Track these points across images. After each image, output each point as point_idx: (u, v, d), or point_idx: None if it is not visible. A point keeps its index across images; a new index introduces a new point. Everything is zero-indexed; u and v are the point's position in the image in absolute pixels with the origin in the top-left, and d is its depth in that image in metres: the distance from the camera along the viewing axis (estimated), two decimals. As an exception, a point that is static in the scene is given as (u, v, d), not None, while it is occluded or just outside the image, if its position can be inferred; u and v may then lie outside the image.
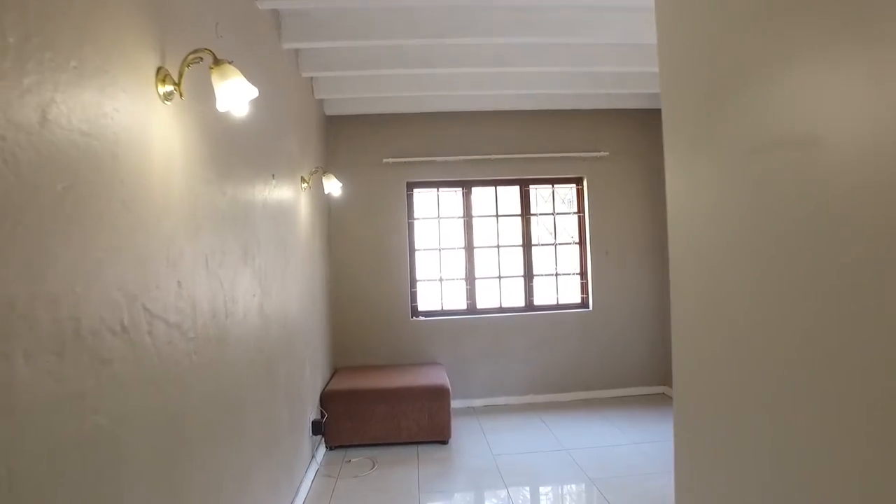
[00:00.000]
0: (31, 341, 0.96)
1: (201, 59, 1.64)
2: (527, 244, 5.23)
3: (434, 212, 5.18)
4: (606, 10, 3.23)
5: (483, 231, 5.23)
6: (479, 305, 5.16)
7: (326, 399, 3.97)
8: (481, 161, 5.04)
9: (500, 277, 5.20)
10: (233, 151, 2.22)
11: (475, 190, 5.21)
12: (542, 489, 3.44)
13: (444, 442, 4.04)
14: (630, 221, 5.18)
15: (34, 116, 0.99)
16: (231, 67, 1.65)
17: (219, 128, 2.04)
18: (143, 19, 1.47)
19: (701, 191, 1.06)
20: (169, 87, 1.58)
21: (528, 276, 5.22)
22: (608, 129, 5.17)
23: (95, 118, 1.20)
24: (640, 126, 5.20)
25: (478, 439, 4.14)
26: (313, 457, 3.62)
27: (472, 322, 5.05)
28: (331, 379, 4.41)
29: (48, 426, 0.99)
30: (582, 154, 5.10)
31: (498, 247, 5.20)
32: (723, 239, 0.99)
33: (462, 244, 5.18)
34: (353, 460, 3.81)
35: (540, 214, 5.33)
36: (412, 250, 5.11)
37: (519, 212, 5.24)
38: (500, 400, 5.02)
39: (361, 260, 4.96)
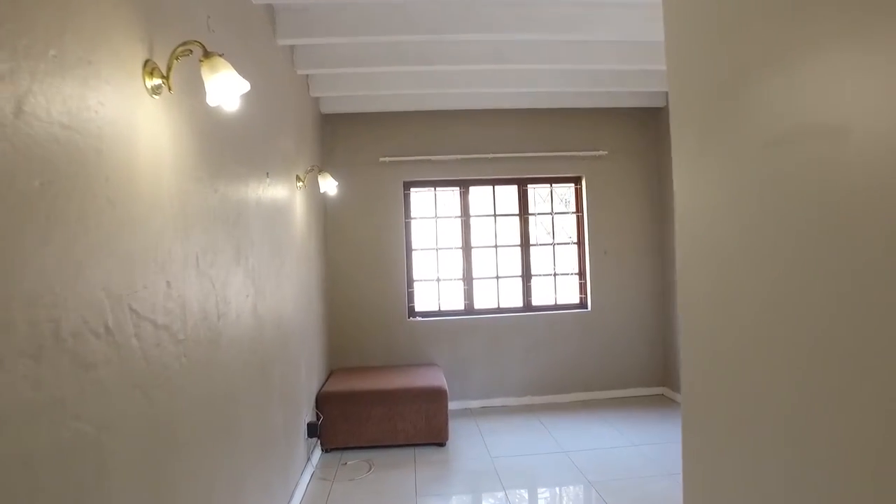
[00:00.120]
0: (4, 344, 0.90)
1: (191, 51, 1.59)
2: (525, 244, 5.19)
3: (431, 211, 5.14)
4: (606, 6, 3.19)
5: (481, 231, 5.18)
6: (477, 306, 5.11)
7: (322, 401, 3.92)
8: (479, 160, 4.99)
9: (497, 277, 5.15)
10: (225, 148, 2.17)
11: (473, 189, 5.16)
12: (540, 492, 3.40)
13: (442, 444, 3.99)
14: (629, 221, 5.14)
15: (8, 107, 0.93)
16: (221, 60, 1.59)
17: (210, 124, 1.99)
18: (130, 10, 1.41)
19: (711, 187, 1.01)
20: (157, 81, 1.53)
21: (527, 276, 5.18)
22: (607, 128, 5.13)
23: (77, 111, 1.15)
24: (639, 125, 5.16)
25: (475, 441, 4.09)
26: (309, 459, 3.57)
27: (469, 323, 5.00)
28: (327, 380, 4.35)
29: (24, 434, 0.94)
30: (581, 153, 5.06)
31: (496, 247, 5.16)
32: (735, 238, 0.95)
33: (459, 244, 5.13)
34: (349, 463, 3.75)
35: (538, 214, 5.29)
36: (409, 250, 5.06)
37: (517, 211, 5.19)
38: (498, 401, 4.97)
39: (358, 260, 4.91)
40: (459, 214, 5.14)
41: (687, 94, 1.08)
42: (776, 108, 0.83)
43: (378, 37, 3.17)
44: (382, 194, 4.95)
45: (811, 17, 0.75)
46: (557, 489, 3.42)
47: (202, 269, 1.85)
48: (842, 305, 0.75)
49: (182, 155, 1.73)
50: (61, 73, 1.09)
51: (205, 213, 1.90)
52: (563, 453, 3.79)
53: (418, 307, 5.07)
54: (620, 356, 5.09)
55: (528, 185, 5.20)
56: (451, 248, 5.13)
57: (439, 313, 5.07)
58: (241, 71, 1.74)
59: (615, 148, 5.13)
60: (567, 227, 5.32)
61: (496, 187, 5.17)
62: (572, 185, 5.25)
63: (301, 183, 3.59)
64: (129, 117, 1.39)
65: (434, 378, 4.22)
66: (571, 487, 3.38)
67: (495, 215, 5.17)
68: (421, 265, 5.12)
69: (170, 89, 1.57)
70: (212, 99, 1.64)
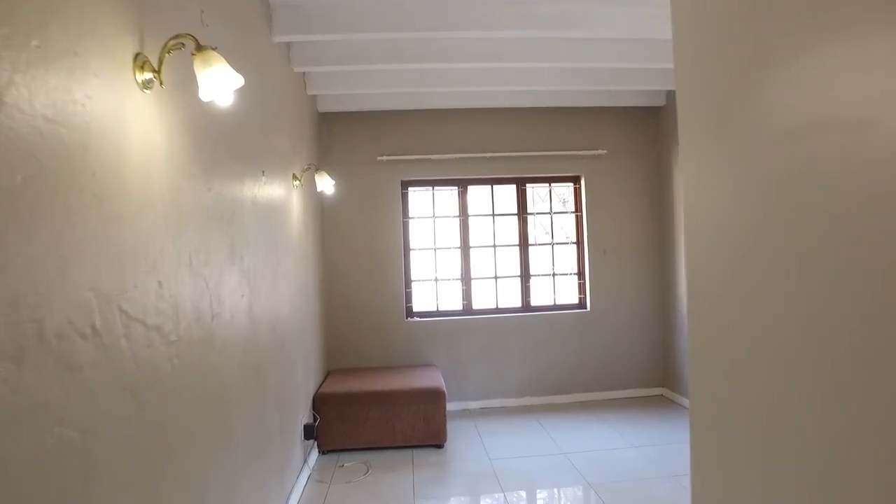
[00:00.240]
0: (-17, 347, 0.86)
1: (183, 45, 1.54)
2: (523, 244, 5.15)
3: (429, 211, 5.10)
4: (606, 3, 3.15)
5: (479, 230, 5.14)
6: (476, 306, 5.07)
7: (319, 402, 3.88)
8: (477, 159, 4.95)
9: (496, 278, 5.11)
10: (220, 145, 2.12)
11: (471, 189, 5.12)
12: (539, 494, 3.36)
13: (440, 446, 3.95)
14: (629, 220, 5.11)
15: (-13, 98, 0.89)
16: (215, 54, 1.55)
17: (204, 120, 1.95)
18: (119, 0, 1.37)
19: (722, 184, 0.97)
20: (148, 75, 1.49)
21: (525, 276, 5.14)
22: (606, 128, 5.10)
23: (63, 104, 1.11)
24: (639, 124, 5.13)
25: (474, 443, 4.05)
26: (305, 462, 3.52)
27: (468, 323, 4.96)
28: (323, 381, 4.31)
29: (2, 440, 0.90)
30: (580, 152, 5.03)
31: (494, 246, 5.12)
32: (748, 235, 0.91)
33: (458, 244, 5.09)
34: (346, 465, 3.71)
35: (537, 214, 5.25)
36: (407, 250, 5.02)
37: (515, 211, 5.16)
38: (497, 402, 4.93)
39: (355, 260, 4.87)
40: (458, 214, 5.10)
41: (695, 88, 1.04)
42: (794, 100, 0.79)
43: (376, 34, 3.13)
44: (380, 193, 4.91)
45: (836, 0, 0.71)
46: (557, 491, 3.38)
47: (195, 268, 1.80)
48: (871, 306, 0.71)
49: (175, 151, 1.68)
50: (45, 65, 1.05)
51: (198, 211, 1.86)
52: (563, 455, 3.76)
53: (416, 307, 5.03)
54: (620, 357, 5.06)
55: (527, 185, 5.17)
56: (450, 248, 5.09)
57: (437, 314, 5.03)
58: (236, 66, 1.70)
59: (615, 147, 5.10)
60: (566, 226, 5.28)
61: (495, 186, 5.13)
62: (571, 184, 5.21)
63: (298, 182, 3.54)
64: (119, 112, 1.35)
65: (432, 379, 4.18)
66: (571, 490, 3.35)
67: (494, 215, 5.13)
68: (419, 265, 5.08)
69: (161, 84, 1.53)
70: (205, 94, 1.60)
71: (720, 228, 0.99)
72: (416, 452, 3.89)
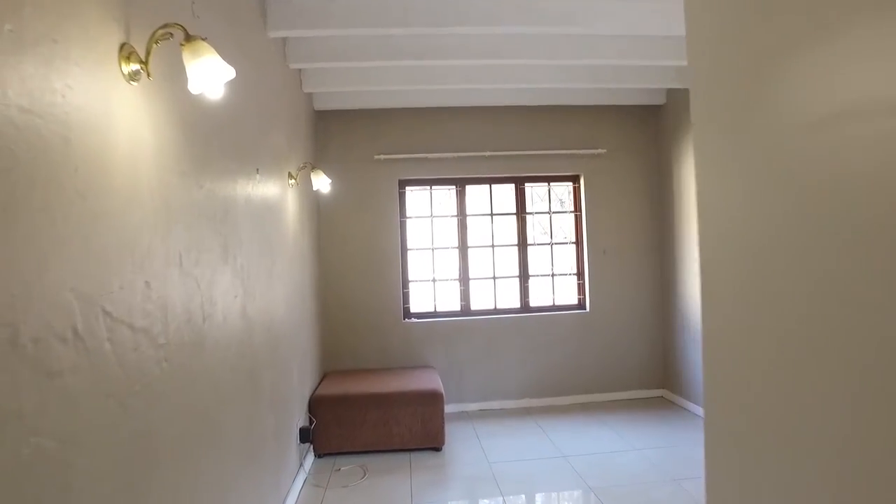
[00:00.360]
0: (-52, 353, 0.80)
1: (171, 35, 1.48)
2: (522, 244, 5.10)
3: (427, 210, 5.04)
4: (607, -2, 3.10)
5: (477, 230, 5.08)
6: (474, 307, 5.02)
7: (315, 404, 3.81)
8: (476, 158, 4.90)
9: (494, 278, 5.06)
10: (212, 142, 2.06)
11: (469, 188, 5.07)
12: (539, 498, 3.30)
13: (438, 449, 3.89)
14: (628, 220, 5.06)
15: (-46, 84, 0.83)
16: (204, 44, 1.49)
17: (195, 115, 1.88)
18: (104, -13, 1.31)
19: (739, 179, 0.92)
20: (135, 66, 1.42)
21: (524, 276, 5.09)
22: (606, 126, 5.05)
23: (40, 94, 1.04)
24: (639, 122, 5.08)
25: (472, 445, 3.99)
26: (301, 465, 3.46)
27: (466, 324, 4.90)
28: (320, 383, 4.24)
29: (-28, 453, 0.83)
30: (579, 151, 4.98)
31: (493, 246, 5.06)
32: (768, 233, 0.85)
33: (456, 244, 5.03)
34: (342, 469, 3.65)
35: (536, 213, 5.20)
36: (404, 250, 4.96)
37: (514, 210, 5.10)
38: (496, 404, 4.87)
39: (352, 260, 4.81)
40: (456, 213, 5.05)
41: (710, 77, 0.99)
42: (818, 88, 0.74)
43: (372, 29, 3.07)
44: (377, 193, 4.85)
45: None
46: (557, 495, 3.32)
47: (186, 268, 1.74)
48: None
49: (164, 147, 1.62)
50: (19, 51, 0.98)
51: (189, 208, 1.80)
52: (563, 458, 3.70)
53: (414, 308, 4.96)
54: (620, 358, 5.01)
55: (526, 184, 5.11)
56: (447, 248, 5.03)
57: (435, 314, 4.97)
58: (229, 60, 1.63)
59: (614, 146, 5.04)
60: (565, 226, 5.23)
61: (493, 186, 5.08)
62: (570, 183, 5.16)
63: (293, 180, 3.48)
64: (103, 104, 1.29)
65: (430, 381, 4.12)
66: (572, 494, 3.29)
67: (492, 214, 5.07)
68: (416, 265, 5.01)
69: (149, 76, 1.47)
70: (194, 86, 1.53)
71: (737, 226, 0.93)
72: (414, 455, 3.82)
